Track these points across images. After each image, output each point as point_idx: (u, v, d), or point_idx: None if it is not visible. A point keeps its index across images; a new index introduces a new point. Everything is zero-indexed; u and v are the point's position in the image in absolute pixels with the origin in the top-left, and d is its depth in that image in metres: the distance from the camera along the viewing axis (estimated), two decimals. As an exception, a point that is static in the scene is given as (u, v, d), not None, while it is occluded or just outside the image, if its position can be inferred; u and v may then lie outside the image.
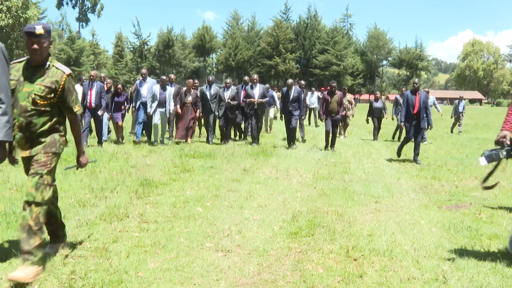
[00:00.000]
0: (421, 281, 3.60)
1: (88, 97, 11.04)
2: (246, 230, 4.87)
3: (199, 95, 12.66)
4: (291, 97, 11.87)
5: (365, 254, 4.16)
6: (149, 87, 12.12)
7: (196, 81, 14.39)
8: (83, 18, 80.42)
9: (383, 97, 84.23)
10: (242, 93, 12.86)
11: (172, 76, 13.26)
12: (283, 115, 12.44)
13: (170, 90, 12.02)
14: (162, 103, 11.78)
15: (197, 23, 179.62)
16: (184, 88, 12.92)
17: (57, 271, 3.57)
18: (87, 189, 6.50)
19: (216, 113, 12.61)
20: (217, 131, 14.11)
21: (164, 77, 12.08)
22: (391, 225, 5.16)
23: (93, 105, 11.05)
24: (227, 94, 12.55)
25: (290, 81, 12.22)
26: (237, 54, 71.28)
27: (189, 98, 12.51)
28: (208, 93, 12.55)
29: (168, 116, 11.95)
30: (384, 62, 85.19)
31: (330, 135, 11.94)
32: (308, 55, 75.75)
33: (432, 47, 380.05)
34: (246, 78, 13.29)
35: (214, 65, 79.22)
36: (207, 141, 12.74)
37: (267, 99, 12.75)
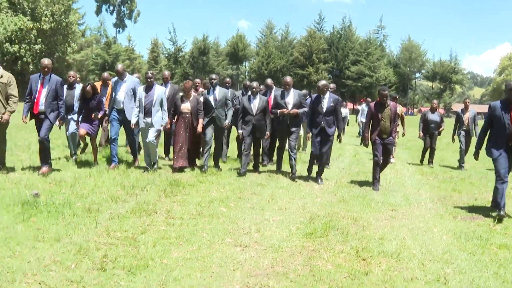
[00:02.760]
0: (423, 282, 3.84)
1: (36, 96, 7.68)
2: (265, 229, 5.19)
3: (201, 101, 9.01)
4: (325, 107, 8.26)
5: (374, 255, 4.43)
6: (127, 87, 8.84)
7: (197, 80, 10.99)
8: (120, 24, 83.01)
9: (415, 110, 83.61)
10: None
11: (167, 73, 9.95)
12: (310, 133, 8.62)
13: (161, 91, 8.50)
14: (148, 111, 8.42)
15: (231, 31, 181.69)
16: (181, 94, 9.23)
17: (91, 254, 4.01)
18: (119, 186, 6.96)
19: (225, 122, 9.10)
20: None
21: (149, 74, 8.54)
22: (403, 231, 5.39)
23: (41, 108, 7.70)
24: (254, 105, 8.77)
25: (323, 83, 8.46)
26: (269, 63, 71.86)
27: (188, 106, 8.82)
28: (211, 98, 8.99)
29: (158, 129, 8.48)
30: (417, 74, 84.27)
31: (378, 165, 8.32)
32: (340, 66, 75.63)
33: (467, 60, 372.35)
34: (252, 83, 9.14)
35: (247, 73, 79.99)
36: (201, 167, 9.01)
37: (305, 109, 8.89)
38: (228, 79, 10.88)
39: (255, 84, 9.02)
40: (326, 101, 8.28)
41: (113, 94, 8.97)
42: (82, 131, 8.57)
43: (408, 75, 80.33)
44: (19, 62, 45.45)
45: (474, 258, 4.53)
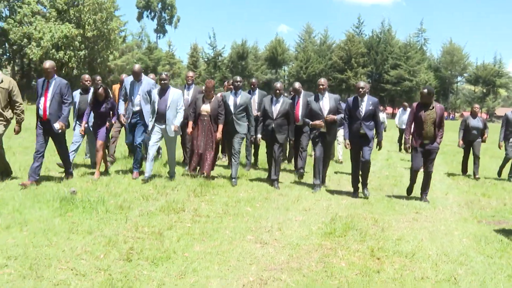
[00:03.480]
0: (433, 281, 3.95)
1: (42, 101, 6.93)
2: (286, 228, 5.40)
3: (223, 104, 8.14)
4: (364, 111, 7.42)
5: (388, 254, 4.56)
6: (143, 90, 8.15)
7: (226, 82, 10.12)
8: (160, 30, 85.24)
9: (457, 114, 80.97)
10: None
11: (191, 73, 9.56)
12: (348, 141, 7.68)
13: (176, 94, 7.82)
14: (162, 116, 7.77)
15: (270, 36, 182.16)
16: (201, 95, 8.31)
17: (119, 246, 4.35)
18: (151, 185, 7.33)
19: (249, 134, 8.48)
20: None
21: (163, 75, 7.94)
22: (423, 233, 5.46)
23: (48, 114, 6.93)
24: (276, 108, 8.09)
25: (361, 84, 7.58)
26: (308, 67, 71.87)
27: (207, 107, 8.04)
28: (231, 102, 8.30)
29: (174, 136, 7.89)
30: (459, 78, 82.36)
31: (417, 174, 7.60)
32: (380, 70, 74.85)
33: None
34: (275, 84, 8.24)
35: (285, 77, 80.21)
36: (231, 177, 8.16)
37: (341, 115, 7.85)
38: (254, 80, 10.33)
39: (278, 85, 8.18)
40: (365, 104, 7.44)
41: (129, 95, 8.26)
42: (99, 142, 7.85)
43: (450, 79, 78.61)
44: (64, 67, 47.44)
45: (491, 261, 4.57)
